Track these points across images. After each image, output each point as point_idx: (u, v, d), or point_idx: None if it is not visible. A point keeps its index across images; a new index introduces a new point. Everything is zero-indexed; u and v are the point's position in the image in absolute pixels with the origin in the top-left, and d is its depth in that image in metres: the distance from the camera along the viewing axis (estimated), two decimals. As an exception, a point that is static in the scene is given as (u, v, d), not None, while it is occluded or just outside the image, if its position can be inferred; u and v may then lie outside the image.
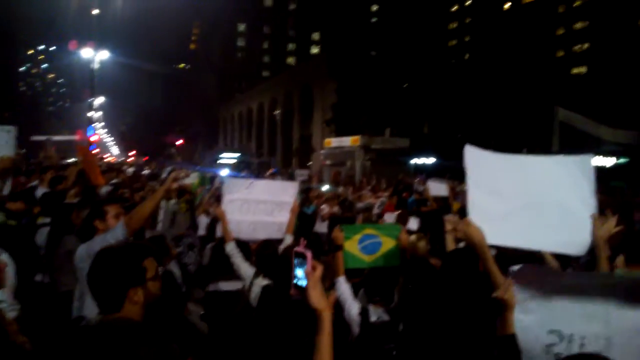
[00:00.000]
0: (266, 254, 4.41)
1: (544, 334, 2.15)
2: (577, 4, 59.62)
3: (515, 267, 2.17)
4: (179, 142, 78.64)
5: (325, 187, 14.96)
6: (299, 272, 1.88)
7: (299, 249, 1.88)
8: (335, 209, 9.35)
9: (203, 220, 8.52)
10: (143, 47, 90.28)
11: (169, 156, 72.08)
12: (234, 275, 4.80)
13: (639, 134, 23.23)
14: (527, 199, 2.77)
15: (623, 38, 49.38)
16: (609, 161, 26.54)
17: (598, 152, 25.88)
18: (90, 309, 2.92)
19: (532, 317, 2.15)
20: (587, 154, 2.94)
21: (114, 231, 3.35)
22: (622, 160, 26.95)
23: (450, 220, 3.12)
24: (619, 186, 18.74)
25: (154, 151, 70.87)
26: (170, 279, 4.42)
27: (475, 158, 2.84)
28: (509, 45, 57.09)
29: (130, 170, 23.60)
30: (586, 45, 57.44)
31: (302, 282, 1.86)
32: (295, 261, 1.87)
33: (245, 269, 4.30)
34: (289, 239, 4.64)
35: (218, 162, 55.68)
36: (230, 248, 4.44)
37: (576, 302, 2.15)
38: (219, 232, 4.70)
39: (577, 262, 3.38)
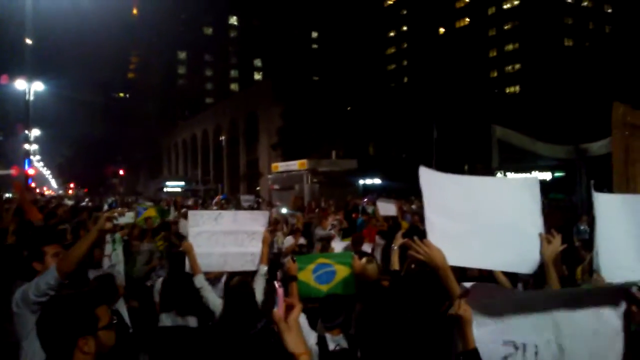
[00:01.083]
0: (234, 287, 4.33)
1: (499, 345, 2.19)
2: (507, 27, 62.86)
3: (467, 284, 2.22)
4: (120, 172, 76.55)
5: (283, 210, 14.83)
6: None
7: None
8: (301, 240, 9.16)
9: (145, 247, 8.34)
10: (79, 77, 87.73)
11: (110, 187, 69.99)
12: (185, 310, 4.68)
13: (573, 148, 24.44)
14: (480, 220, 2.86)
15: (552, 58, 52.31)
16: (546, 175, 27.71)
17: (535, 168, 27.04)
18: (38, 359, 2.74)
19: (486, 330, 2.18)
20: (533, 176, 3.13)
21: (45, 276, 3.11)
22: (558, 174, 28.28)
23: (411, 243, 3.14)
24: (559, 198, 19.55)
25: (95, 182, 68.64)
26: (120, 319, 4.24)
27: (429, 180, 2.89)
28: (445, 68, 59.30)
29: (69, 202, 22.75)
30: (518, 66, 60.43)
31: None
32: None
33: (215, 301, 4.23)
34: (263, 270, 4.52)
35: (163, 190, 54.64)
36: (200, 281, 4.33)
37: (526, 313, 2.22)
38: (187, 266, 4.51)
39: (527, 280, 3.49)
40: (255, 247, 4.60)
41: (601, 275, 3.03)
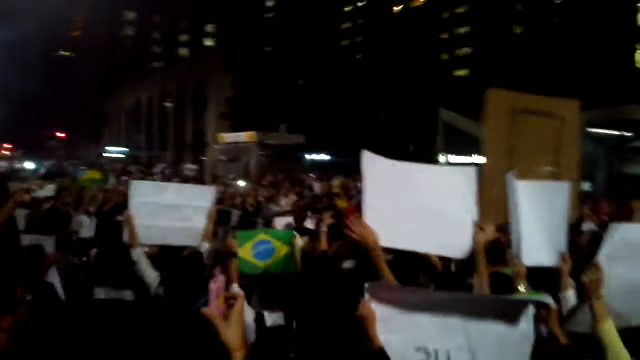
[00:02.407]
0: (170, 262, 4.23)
1: (412, 352, 2.19)
2: (460, 10, 63.70)
3: (369, 284, 2.18)
4: (61, 135, 73.30)
5: (241, 183, 14.54)
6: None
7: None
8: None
9: (85, 220, 7.99)
10: (17, 31, 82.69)
11: (50, 150, 67.07)
12: (118, 283, 4.53)
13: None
14: (416, 205, 2.96)
15: (501, 44, 53.56)
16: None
17: (478, 152, 27.77)
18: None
19: (398, 337, 2.18)
20: (472, 166, 3.20)
21: None
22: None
23: (347, 222, 3.17)
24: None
25: (33, 144, 65.55)
26: (50, 291, 4.10)
27: (371, 163, 2.95)
28: (398, 47, 59.67)
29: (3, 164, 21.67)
30: (469, 50, 61.56)
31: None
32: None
33: (151, 275, 4.14)
34: (206, 247, 4.41)
35: (104, 156, 52.86)
36: (138, 254, 4.22)
37: (436, 318, 2.23)
38: (125, 237, 4.34)
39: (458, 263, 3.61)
40: (200, 223, 4.48)
41: (521, 260, 3.19)
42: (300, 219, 7.06)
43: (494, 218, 4.96)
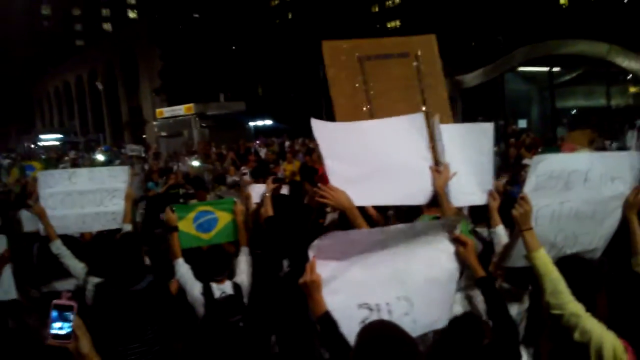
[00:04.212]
0: (99, 249, 4.18)
1: (355, 310, 2.22)
2: (386, -40, 63.26)
3: (316, 242, 2.15)
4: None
5: (195, 163, 14.03)
6: (60, 324, 1.65)
7: (61, 301, 1.67)
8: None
9: (24, 214, 7.70)
10: None
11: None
12: (67, 273, 4.42)
13: (448, 80, 25.57)
14: (374, 161, 3.04)
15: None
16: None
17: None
18: None
19: (340, 297, 2.20)
20: (418, 113, 3.27)
21: None
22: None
23: (317, 189, 3.15)
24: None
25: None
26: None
27: (322, 130, 3.00)
28: (328, 3, 58.90)
29: None
30: (398, 0, 61.55)
31: (66, 330, 1.66)
32: (54, 313, 1.65)
33: (76, 267, 4.03)
34: (128, 228, 4.38)
35: (38, 145, 50.36)
36: (57, 247, 4.08)
37: (371, 271, 2.28)
38: (41, 230, 4.20)
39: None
40: (117, 206, 4.45)
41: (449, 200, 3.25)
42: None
43: None
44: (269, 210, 3.82)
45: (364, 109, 3.95)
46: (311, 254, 2.16)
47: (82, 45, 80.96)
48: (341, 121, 3.47)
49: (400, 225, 2.51)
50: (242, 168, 10.94)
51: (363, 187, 2.92)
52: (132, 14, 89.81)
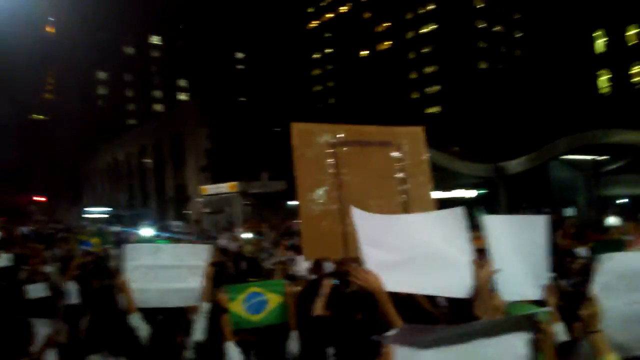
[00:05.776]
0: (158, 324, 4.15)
1: None
2: (425, 50, 65.73)
3: (392, 332, 2.25)
4: (41, 199, 72.10)
5: (246, 235, 14.30)
6: None
7: None
8: None
9: (72, 287, 7.83)
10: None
11: (29, 215, 65.86)
12: (114, 349, 4.45)
13: (492, 166, 25.66)
14: (412, 251, 3.05)
15: (468, 79, 55.17)
16: (469, 193, 28.80)
17: (458, 186, 28.23)
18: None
19: None
20: (457, 208, 3.24)
21: None
22: (482, 191, 29.64)
23: (351, 270, 3.28)
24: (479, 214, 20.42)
25: (11, 211, 64.25)
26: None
27: (362, 219, 3.11)
28: (368, 89, 60.91)
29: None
30: (437, 87, 63.17)
31: None
32: None
33: None
34: (205, 307, 4.29)
35: (85, 217, 52.04)
36: (135, 319, 4.13)
37: (444, 350, 2.22)
38: (122, 302, 4.29)
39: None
40: (196, 282, 4.39)
41: (499, 294, 3.16)
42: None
43: (319, 252, 4.76)
44: (319, 310, 3.79)
45: (333, 193, 4.03)
46: (387, 342, 2.23)
47: (133, 124, 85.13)
48: (304, 201, 3.50)
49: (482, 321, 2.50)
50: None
51: (398, 274, 2.94)
52: (182, 96, 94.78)
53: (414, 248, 3.05)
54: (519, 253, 3.26)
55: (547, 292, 3.22)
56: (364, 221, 3.10)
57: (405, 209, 4.37)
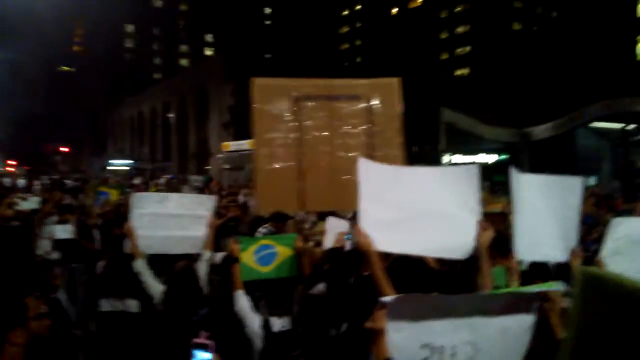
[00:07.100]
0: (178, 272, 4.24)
1: (416, 349, 2.17)
2: (458, 9, 63.70)
3: (388, 298, 2.16)
4: (65, 149, 73.60)
5: None
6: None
7: (200, 340, 1.80)
8: None
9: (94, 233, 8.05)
10: (21, 50, 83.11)
11: (53, 165, 67.39)
12: (123, 293, 4.57)
13: (517, 131, 25.06)
14: (416, 208, 2.94)
15: (501, 41, 53.49)
16: (491, 158, 28.25)
17: (481, 150, 27.66)
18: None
19: (403, 335, 2.16)
20: (472, 164, 3.14)
21: None
22: (503, 156, 29.05)
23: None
24: (501, 181, 20.09)
25: (37, 160, 65.88)
26: (57, 307, 4.12)
27: (367, 171, 2.96)
28: (397, 49, 59.65)
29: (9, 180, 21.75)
30: (468, 48, 61.50)
31: None
32: (195, 351, 1.80)
33: (155, 287, 4.14)
34: (207, 255, 4.44)
35: (108, 168, 53.03)
36: (140, 265, 4.25)
37: (443, 317, 2.22)
38: (127, 248, 4.42)
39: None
40: (200, 231, 4.53)
41: (517, 256, 3.10)
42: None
43: (274, 206, 4.85)
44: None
45: (290, 150, 3.87)
46: (383, 307, 2.15)
47: (159, 78, 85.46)
48: (260, 156, 3.39)
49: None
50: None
51: (394, 233, 2.86)
52: (208, 52, 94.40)
53: (418, 203, 2.94)
54: (550, 214, 3.17)
55: (573, 255, 3.13)
56: (369, 172, 2.97)
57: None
